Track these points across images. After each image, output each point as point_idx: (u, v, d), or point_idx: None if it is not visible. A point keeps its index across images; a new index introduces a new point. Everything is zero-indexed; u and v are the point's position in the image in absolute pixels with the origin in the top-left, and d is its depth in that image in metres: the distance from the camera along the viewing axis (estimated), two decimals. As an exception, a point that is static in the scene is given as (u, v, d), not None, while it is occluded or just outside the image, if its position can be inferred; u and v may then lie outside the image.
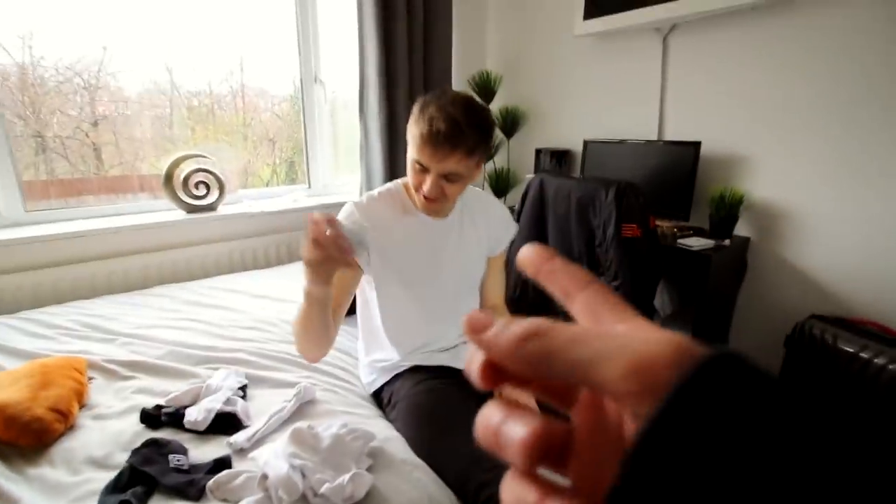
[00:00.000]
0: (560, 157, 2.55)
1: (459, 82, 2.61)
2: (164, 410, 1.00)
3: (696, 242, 1.86)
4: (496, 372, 0.18)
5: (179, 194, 2.00)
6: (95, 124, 1.98)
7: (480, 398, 0.92)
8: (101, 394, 1.14)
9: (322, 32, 2.38)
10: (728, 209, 1.96)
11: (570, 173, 2.61)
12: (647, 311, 2.01)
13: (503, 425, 0.17)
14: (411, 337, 1.17)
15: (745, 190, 1.96)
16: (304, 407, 1.10)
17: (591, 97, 2.49)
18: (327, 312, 0.91)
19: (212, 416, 0.99)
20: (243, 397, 1.11)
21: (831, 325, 1.67)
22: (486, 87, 2.64)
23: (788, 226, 1.91)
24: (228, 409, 1.01)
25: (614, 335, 0.15)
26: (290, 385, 1.18)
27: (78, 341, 1.35)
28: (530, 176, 2.07)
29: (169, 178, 1.97)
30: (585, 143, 2.39)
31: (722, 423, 0.12)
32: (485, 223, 1.21)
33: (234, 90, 2.33)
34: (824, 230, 1.82)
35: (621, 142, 2.27)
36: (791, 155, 1.86)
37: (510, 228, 1.26)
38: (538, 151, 2.60)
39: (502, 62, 2.85)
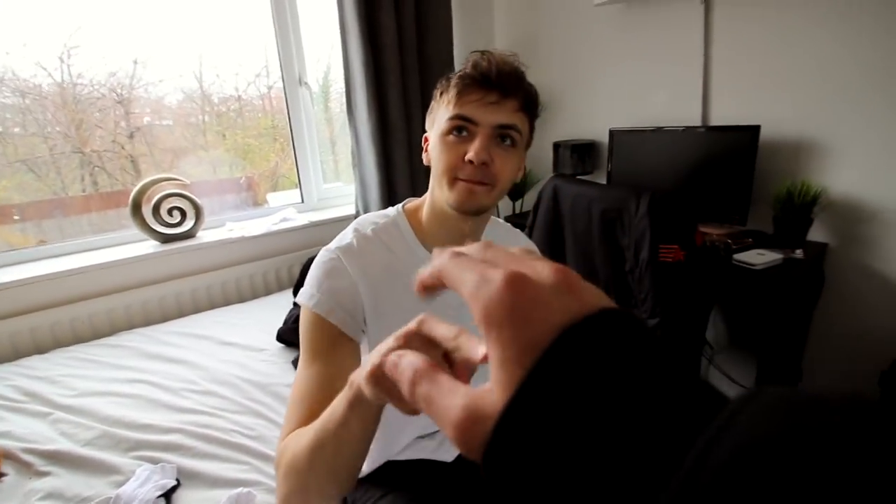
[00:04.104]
0: (583, 152, 2.18)
1: (464, 71, 2.28)
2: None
3: (758, 258, 1.48)
4: None
5: (151, 223, 1.81)
6: (131, 136, 1.98)
7: None
8: (6, 500, 0.95)
9: (305, 29, 2.11)
10: (799, 209, 1.57)
11: (595, 171, 2.25)
12: (698, 348, 1.65)
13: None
14: (391, 427, 0.81)
15: (821, 184, 1.55)
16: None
17: (617, 78, 2.11)
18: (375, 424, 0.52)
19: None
20: (165, 509, 0.89)
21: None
22: (495, 74, 2.30)
23: (878, 228, 1.50)
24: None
25: (447, 405, 0.21)
26: (229, 484, 0.97)
27: (7, 416, 1.17)
28: (544, 180, 1.74)
29: (137, 206, 1.78)
30: (612, 133, 2.02)
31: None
32: None
33: (262, 93, 2.28)
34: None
35: (656, 130, 1.89)
36: (882, 138, 1.44)
37: None
38: (556, 146, 2.23)
39: (513, 43, 2.49)
